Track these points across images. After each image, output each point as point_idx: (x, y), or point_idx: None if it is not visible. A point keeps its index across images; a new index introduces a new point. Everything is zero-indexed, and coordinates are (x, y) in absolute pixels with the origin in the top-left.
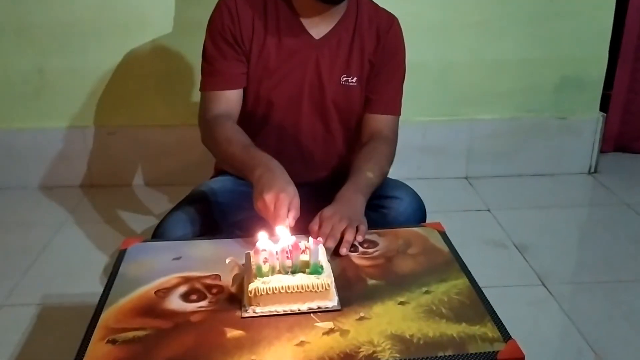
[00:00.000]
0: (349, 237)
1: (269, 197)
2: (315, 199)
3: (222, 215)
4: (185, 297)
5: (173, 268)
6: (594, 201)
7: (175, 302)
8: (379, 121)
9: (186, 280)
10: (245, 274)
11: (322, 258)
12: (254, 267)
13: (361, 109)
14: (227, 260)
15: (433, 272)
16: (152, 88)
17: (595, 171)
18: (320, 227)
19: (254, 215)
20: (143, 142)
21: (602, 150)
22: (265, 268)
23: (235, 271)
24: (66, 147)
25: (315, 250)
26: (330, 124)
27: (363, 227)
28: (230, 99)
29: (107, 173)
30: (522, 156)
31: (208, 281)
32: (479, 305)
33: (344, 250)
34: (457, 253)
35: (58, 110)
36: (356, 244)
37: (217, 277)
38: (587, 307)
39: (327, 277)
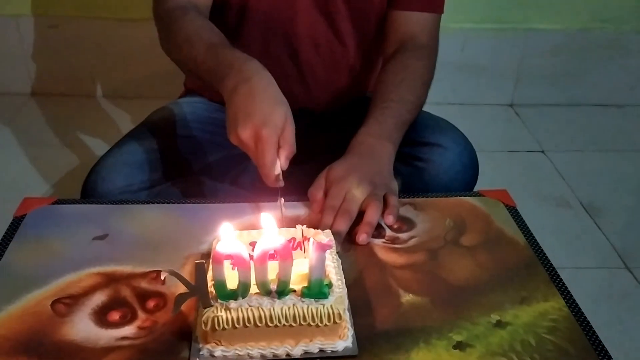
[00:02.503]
0: (371, 215)
1: (245, 135)
2: (318, 136)
3: (189, 155)
4: (101, 315)
5: (90, 256)
6: None
7: (81, 328)
8: (411, 21)
9: (108, 280)
10: (198, 293)
11: (331, 267)
12: (211, 282)
13: (384, 2)
14: (163, 276)
15: (506, 284)
16: None
17: None
18: (326, 194)
19: (238, 156)
20: (97, 39)
21: None
22: (232, 284)
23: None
24: None
25: (320, 259)
26: (338, 23)
27: (393, 198)
28: None
29: (51, 79)
30: (587, 81)
31: (144, 284)
32: (588, 354)
33: (363, 238)
34: (539, 245)
35: None
36: (382, 224)
37: (160, 275)
38: None
39: (337, 302)
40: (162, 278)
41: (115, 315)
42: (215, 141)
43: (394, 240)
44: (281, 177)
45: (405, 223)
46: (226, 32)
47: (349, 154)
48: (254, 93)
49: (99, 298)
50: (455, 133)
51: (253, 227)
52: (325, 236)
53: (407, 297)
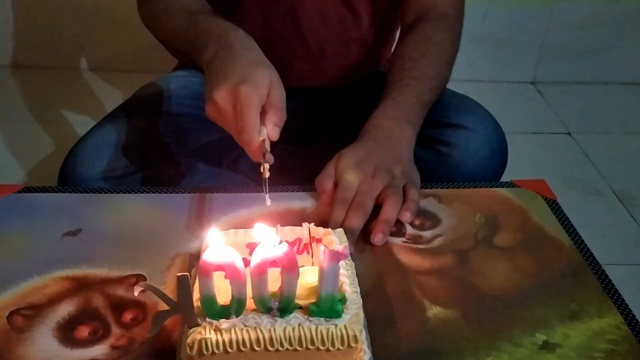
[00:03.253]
0: (389, 212)
1: (221, 96)
2: (326, 116)
3: (181, 136)
4: (67, 331)
5: (58, 256)
6: None
7: (42, 347)
8: None
9: (78, 286)
10: (181, 310)
11: (345, 277)
12: (197, 297)
13: None
14: (136, 292)
15: (552, 294)
16: None
17: None
18: (337, 185)
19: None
20: (84, 7)
21: None
22: (223, 299)
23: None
24: None
25: (332, 272)
26: None
27: (414, 191)
28: None
29: (36, 50)
30: (615, 57)
31: (120, 292)
32: None
33: (379, 238)
34: (586, 246)
35: None
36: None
37: (140, 280)
38: None
39: (352, 321)
40: (135, 294)
41: (84, 331)
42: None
43: (416, 240)
44: (268, 147)
45: (429, 218)
46: (222, 3)
47: (363, 139)
48: (233, 56)
49: (65, 309)
50: (482, 113)
51: (252, 222)
52: (339, 240)
53: (434, 311)
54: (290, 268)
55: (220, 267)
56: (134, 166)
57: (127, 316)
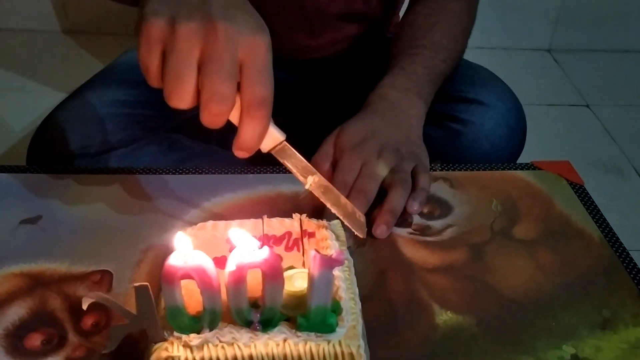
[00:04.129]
0: (395, 200)
1: (190, 25)
2: (323, 86)
3: (165, 108)
4: (16, 339)
5: (12, 248)
6: None
7: None
8: None
9: (33, 284)
10: (142, 324)
11: (341, 281)
12: (163, 307)
13: None
14: (84, 305)
15: (580, 297)
16: None
17: None
18: (335, 165)
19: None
20: None
21: None
22: (196, 309)
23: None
24: None
25: (324, 281)
26: None
27: (424, 176)
28: None
29: (8, 12)
30: (636, 24)
31: (81, 291)
32: None
33: (382, 230)
34: (618, 239)
35: None
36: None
37: (105, 278)
38: None
39: (349, 336)
40: (84, 307)
41: (35, 340)
42: None
43: (424, 231)
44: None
45: (439, 206)
46: None
47: (367, 111)
48: None
49: (16, 312)
50: (500, 86)
51: (238, 209)
52: (335, 236)
53: (444, 317)
54: (273, 277)
55: (187, 274)
56: (111, 142)
57: (88, 321)
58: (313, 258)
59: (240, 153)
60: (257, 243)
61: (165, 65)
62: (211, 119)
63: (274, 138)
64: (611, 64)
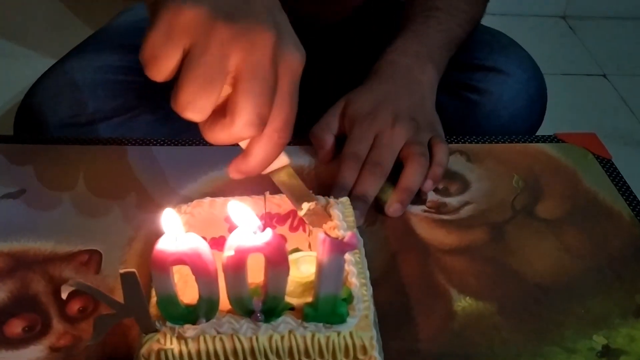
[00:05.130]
0: (412, 176)
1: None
2: (326, 54)
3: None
4: None
5: None
6: None
7: None
8: None
9: (14, 264)
10: (130, 312)
11: (351, 265)
12: (154, 295)
13: None
14: (63, 295)
15: (611, 282)
16: None
17: None
18: (347, 138)
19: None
20: None
21: None
22: (190, 296)
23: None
24: None
25: (335, 266)
26: None
27: (443, 147)
28: None
29: None
30: None
31: (67, 273)
32: None
33: (396, 208)
34: None
35: None
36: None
37: (94, 258)
38: None
39: (360, 327)
40: (63, 296)
41: (16, 326)
42: None
43: (439, 208)
44: None
45: (455, 181)
46: None
47: (375, 78)
48: None
49: None
50: (520, 53)
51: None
52: (343, 215)
53: (462, 303)
54: (277, 262)
55: (180, 260)
56: (103, 111)
57: (74, 306)
58: (322, 242)
59: (237, 175)
60: (259, 223)
61: (188, 68)
62: (236, 140)
63: (281, 161)
64: (629, 31)
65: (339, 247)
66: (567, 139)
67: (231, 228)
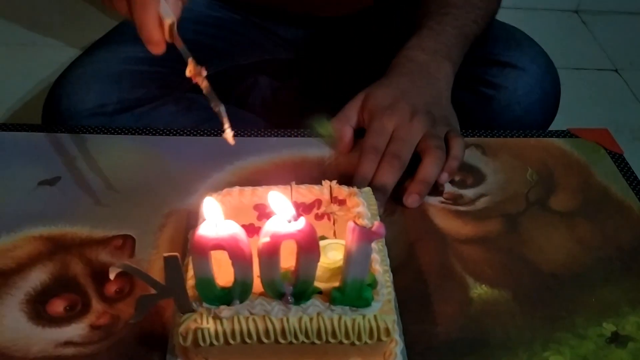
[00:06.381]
0: (430, 168)
1: None
2: (342, 48)
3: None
4: (39, 304)
5: (31, 210)
6: None
7: (9, 323)
8: None
9: (53, 248)
10: (170, 294)
11: (375, 252)
12: (190, 276)
13: None
14: (111, 275)
15: (621, 272)
16: None
17: None
18: (367, 131)
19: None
20: None
21: None
22: (225, 279)
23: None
24: None
25: (363, 254)
26: None
27: (459, 141)
28: None
29: None
30: None
31: (104, 256)
32: None
33: (413, 199)
34: None
35: None
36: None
37: (128, 243)
38: None
39: (384, 310)
40: (111, 277)
41: (58, 306)
42: (217, 47)
43: (456, 200)
44: (175, 29)
45: (471, 174)
46: None
47: (394, 73)
48: None
49: (37, 277)
50: (534, 48)
51: (262, 173)
52: (367, 203)
53: (478, 290)
54: (309, 249)
55: (219, 245)
56: (128, 101)
57: (111, 288)
58: (352, 230)
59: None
60: (293, 212)
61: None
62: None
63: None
64: None
65: (367, 235)
66: (579, 134)
67: (260, 216)
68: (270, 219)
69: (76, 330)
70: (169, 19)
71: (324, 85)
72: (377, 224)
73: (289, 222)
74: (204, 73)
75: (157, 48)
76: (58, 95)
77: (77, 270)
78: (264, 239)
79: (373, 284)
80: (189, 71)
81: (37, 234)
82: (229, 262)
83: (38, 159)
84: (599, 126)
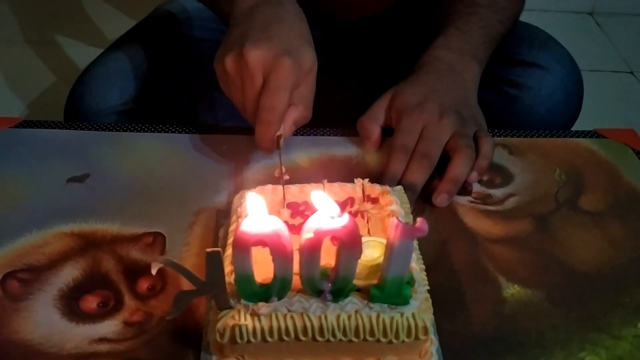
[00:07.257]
0: (459, 168)
1: (255, 54)
2: (367, 47)
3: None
4: (72, 300)
5: (61, 206)
6: None
7: (42, 320)
8: None
9: (85, 244)
10: (210, 291)
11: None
12: (229, 270)
13: None
14: (153, 270)
15: None
16: None
17: None
18: (395, 130)
19: None
20: None
21: None
22: (262, 275)
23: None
24: None
25: (405, 251)
26: None
27: (488, 141)
28: None
29: None
30: None
31: (135, 253)
32: None
33: (443, 198)
34: None
35: None
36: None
37: (158, 240)
38: None
39: (421, 309)
40: (153, 272)
41: (91, 302)
42: None
43: (485, 199)
44: (282, 140)
45: (499, 174)
46: None
47: (421, 73)
48: (283, 18)
49: (70, 273)
50: (558, 49)
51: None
52: (400, 201)
53: (511, 290)
54: (351, 245)
55: (261, 241)
56: (150, 99)
57: (143, 285)
58: (395, 227)
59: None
60: (337, 209)
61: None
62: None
63: None
64: None
65: (409, 232)
66: (606, 134)
67: (293, 214)
68: (313, 215)
69: (110, 326)
70: (279, 131)
71: (349, 86)
72: (420, 220)
73: (332, 218)
74: (286, 177)
75: (268, 153)
76: (80, 93)
77: (109, 267)
78: (306, 234)
79: (411, 282)
80: (277, 173)
81: (68, 230)
82: (266, 258)
83: (66, 156)
84: (617, 127)
